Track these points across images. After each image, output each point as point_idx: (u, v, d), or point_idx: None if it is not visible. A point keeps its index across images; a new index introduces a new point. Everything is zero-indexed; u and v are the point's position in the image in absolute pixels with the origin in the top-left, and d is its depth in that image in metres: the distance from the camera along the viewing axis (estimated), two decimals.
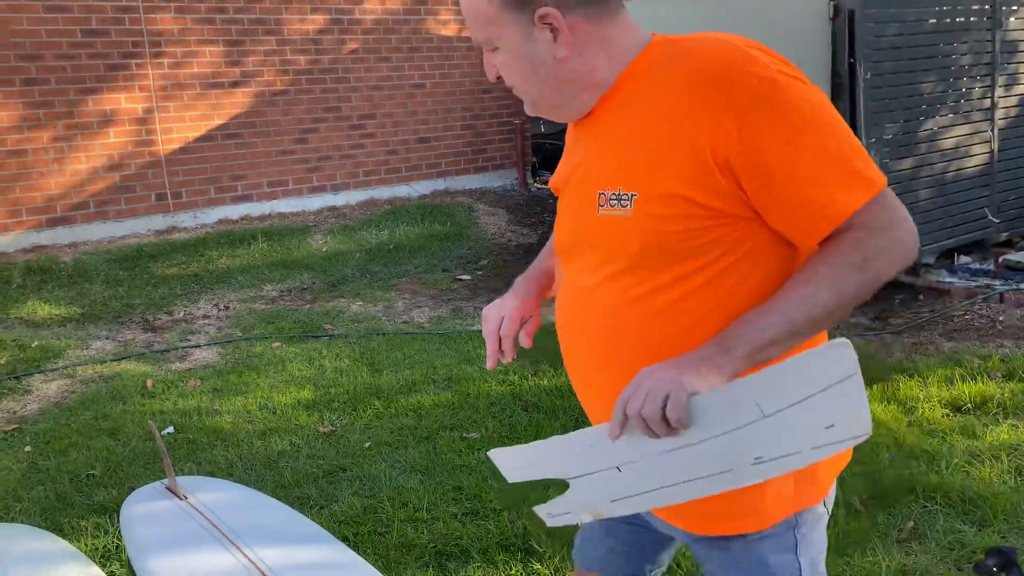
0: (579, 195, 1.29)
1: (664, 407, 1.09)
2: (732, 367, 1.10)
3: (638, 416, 1.11)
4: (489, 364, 1.46)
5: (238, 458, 3.52)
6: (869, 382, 3.65)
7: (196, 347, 4.93)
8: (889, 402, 3.50)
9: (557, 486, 1.26)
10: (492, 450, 1.30)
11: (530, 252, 6.41)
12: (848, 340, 1.06)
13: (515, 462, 1.30)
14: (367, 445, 3.56)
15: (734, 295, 1.18)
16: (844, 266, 1.10)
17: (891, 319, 4.69)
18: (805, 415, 1.09)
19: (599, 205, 1.23)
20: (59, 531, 2.92)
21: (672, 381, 1.10)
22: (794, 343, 1.12)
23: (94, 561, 2.68)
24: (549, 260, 1.55)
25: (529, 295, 1.51)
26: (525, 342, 1.47)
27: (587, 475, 1.24)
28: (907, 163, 5.11)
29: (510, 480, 1.32)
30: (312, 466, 3.39)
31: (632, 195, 1.18)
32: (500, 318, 1.48)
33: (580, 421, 3.56)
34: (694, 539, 1.34)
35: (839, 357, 1.06)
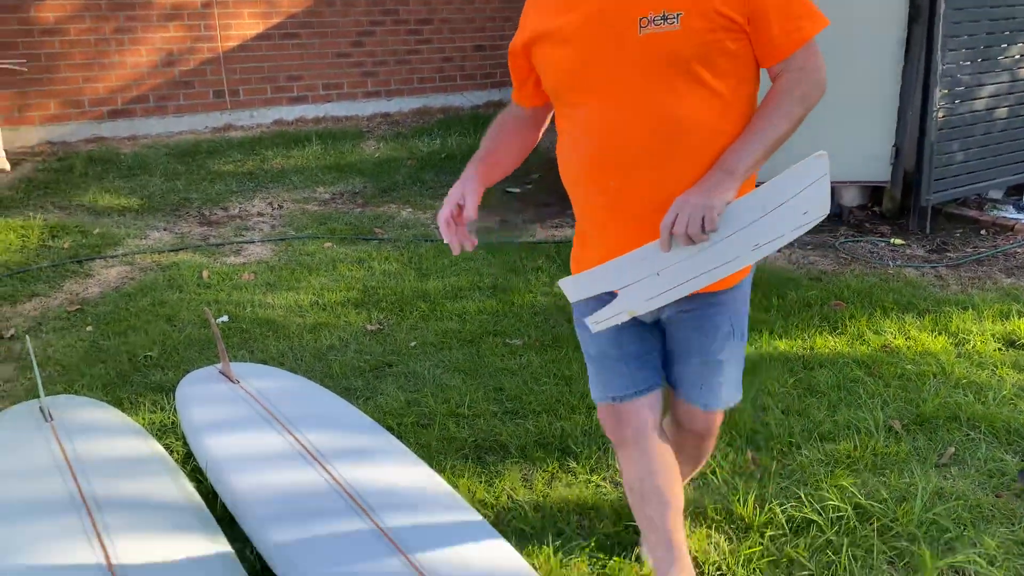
0: (607, 29, 1.58)
1: (701, 223, 1.49)
2: (736, 184, 1.54)
3: (684, 234, 1.50)
4: (454, 251, 1.75)
5: (289, 349, 3.62)
6: (919, 313, 3.61)
7: (250, 243, 5.03)
8: (940, 333, 3.44)
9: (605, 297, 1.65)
10: (561, 279, 1.66)
11: None
12: (824, 152, 1.51)
13: (577, 286, 1.66)
14: (412, 344, 3.63)
15: (751, 102, 1.62)
16: (791, 101, 1.56)
17: (950, 253, 4.58)
18: (791, 208, 1.53)
19: (640, 28, 1.55)
20: (118, 405, 3.06)
21: (704, 204, 1.50)
22: (765, 160, 1.57)
23: (151, 435, 2.81)
24: (496, 141, 1.89)
25: (478, 180, 1.80)
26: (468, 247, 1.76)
27: (633, 283, 1.62)
28: (981, 92, 4.89)
29: (573, 300, 1.69)
30: (359, 360, 3.48)
31: (678, 14, 1.52)
32: (453, 205, 1.76)
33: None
34: (700, 301, 1.72)
35: (819, 163, 1.52)
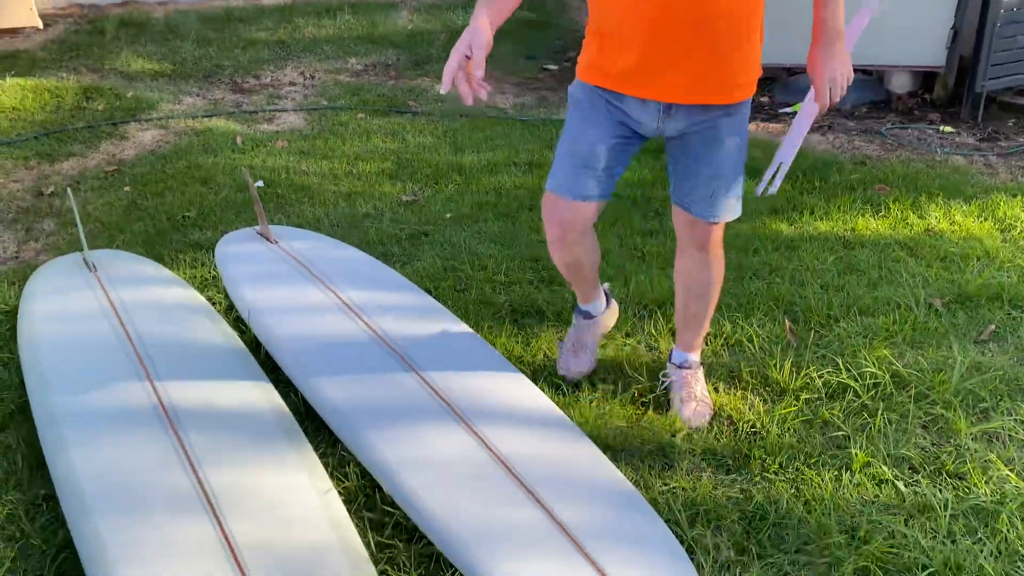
0: None
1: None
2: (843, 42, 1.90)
3: (839, 92, 1.90)
4: (467, 101, 1.68)
5: (324, 215, 3.63)
6: (966, 199, 3.53)
7: (284, 111, 4.97)
8: (986, 219, 3.37)
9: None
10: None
11: None
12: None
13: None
14: (448, 216, 3.62)
15: None
16: None
17: (1001, 142, 4.43)
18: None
19: None
20: (159, 261, 3.10)
21: (848, 72, 1.90)
22: None
23: (193, 287, 2.86)
24: None
25: (485, 30, 1.71)
26: (482, 95, 1.70)
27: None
28: None
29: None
30: (395, 229, 3.48)
31: None
32: (461, 56, 1.67)
33: (661, 211, 3.54)
34: (711, 115, 1.86)
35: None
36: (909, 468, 1.95)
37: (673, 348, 2.26)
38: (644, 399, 2.22)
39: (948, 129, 4.56)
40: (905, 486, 1.88)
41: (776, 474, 1.93)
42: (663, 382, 2.24)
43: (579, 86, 1.98)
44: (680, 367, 2.20)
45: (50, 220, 3.57)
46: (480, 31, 1.68)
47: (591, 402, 2.21)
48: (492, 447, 1.92)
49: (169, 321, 2.51)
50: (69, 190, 2.96)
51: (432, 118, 4.92)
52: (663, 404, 2.20)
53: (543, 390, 2.25)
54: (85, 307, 2.58)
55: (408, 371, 2.22)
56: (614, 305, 2.46)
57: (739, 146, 1.92)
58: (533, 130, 4.75)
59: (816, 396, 2.21)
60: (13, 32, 5.90)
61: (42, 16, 6.09)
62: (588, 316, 2.35)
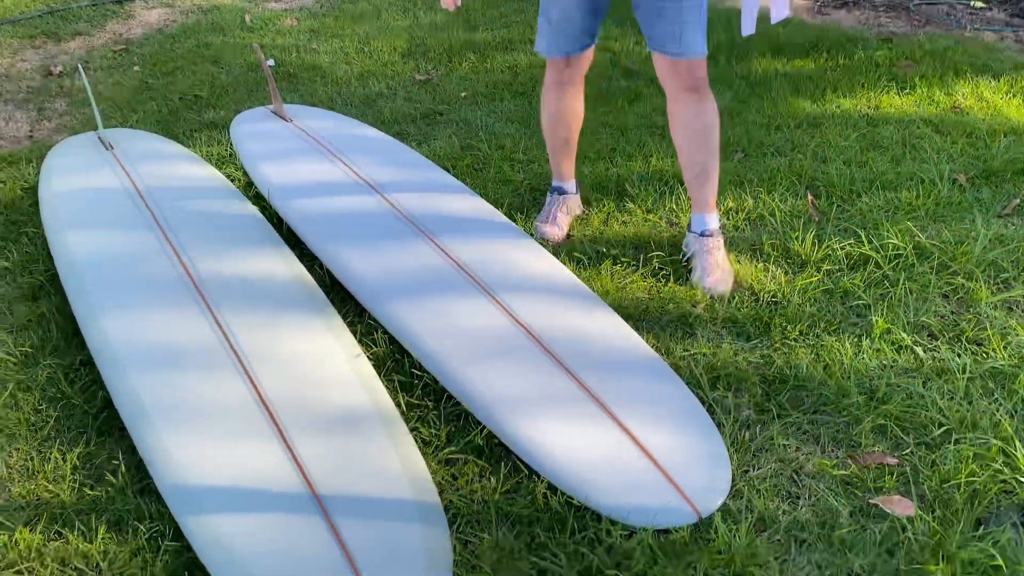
0: None
1: None
2: None
3: None
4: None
5: (337, 94, 3.57)
6: (995, 76, 3.44)
7: None
8: (1015, 96, 3.29)
9: None
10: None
11: None
12: None
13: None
14: (463, 95, 3.56)
15: None
16: None
17: None
18: None
19: None
20: (174, 139, 3.08)
21: None
22: None
23: (211, 164, 2.84)
24: None
25: None
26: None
27: None
28: None
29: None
30: (410, 108, 3.43)
31: None
32: None
33: None
34: None
35: None
36: (928, 335, 1.98)
37: (691, 216, 2.27)
38: (664, 271, 2.24)
39: (979, 4, 4.40)
40: (924, 351, 1.91)
41: (796, 340, 1.96)
42: (684, 253, 2.25)
43: None
44: (701, 235, 2.23)
45: (61, 100, 3.52)
46: None
47: (611, 276, 2.23)
48: (517, 316, 1.95)
49: (190, 196, 2.51)
50: (81, 67, 2.91)
51: None
52: (684, 276, 2.22)
53: (564, 263, 2.26)
54: (105, 183, 2.58)
55: (431, 245, 2.23)
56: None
57: None
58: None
59: (837, 268, 2.22)
60: None
61: None
62: (561, 192, 2.56)
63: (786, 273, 2.21)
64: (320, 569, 1.38)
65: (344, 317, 2.05)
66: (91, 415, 1.78)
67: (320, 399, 1.72)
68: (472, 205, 2.47)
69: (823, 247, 2.28)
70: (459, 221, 2.36)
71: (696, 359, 1.92)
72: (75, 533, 1.50)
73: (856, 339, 1.96)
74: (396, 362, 1.92)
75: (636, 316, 2.08)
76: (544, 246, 2.35)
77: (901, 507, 1.53)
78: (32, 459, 1.68)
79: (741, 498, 1.57)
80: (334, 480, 1.55)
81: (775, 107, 3.24)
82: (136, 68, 3.79)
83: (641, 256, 2.31)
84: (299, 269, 2.18)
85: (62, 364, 1.94)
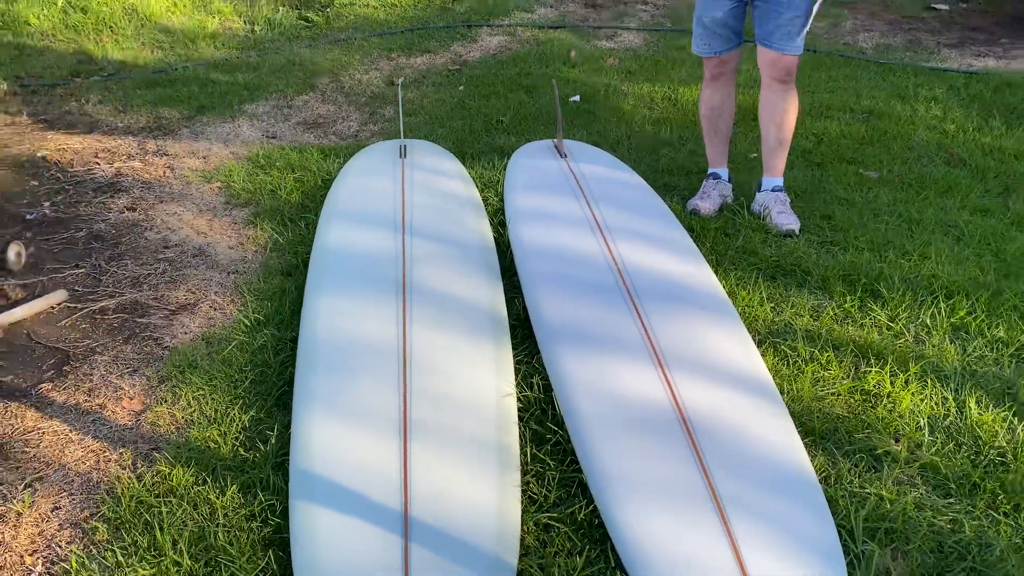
0: None
1: None
2: None
3: None
4: None
5: (626, 137, 3.61)
6: None
7: (626, 29, 4.97)
8: None
9: None
10: None
11: None
12: None
13: None
14: (751, 156, 3.40)
15: None
16: None
17: None
18: None
19: None
20: (460, 156, 3.34)
21: None
22: None
23: (476, 185, 3.05)
24: None
25: None
26: None
27: None
28: None
29: None
30: (689, 162, 3.36)
31: None
32: None
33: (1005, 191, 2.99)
34: None
35: None
36: None
37: (762, 179, 2.91)
38: (878, 393, 1.95)
39: None
40: None
41: (1007, 516, 1.60)
42: (758, 211, 2.86)
43: None
44: (773, 191, 2.86)
45: (392, 107, 4.00)
46: None
47: (812, 382, 2.00)
48: (678, 395, 1.84)
49: (437, 208, 2.72)
50: (400, 81, 3.28)
51: None
52: (892, 406, 1.91)
53: (766, 354, 2.08)
54: (380, 186, 2.88)
55: (627, 301, 2.17)
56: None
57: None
58: (887, 75, 4.23)
59: None
60: None
61: None
62: (716, 177, 3.02)
63: None
64: None
65: (517, 355, 2.08)
66: (277, 387, 2.02)
67: (453, 424, 1.77)
68: (691, 272, 2.36)
69: None
70: (671, 288, 2.27)
71: (864, 499, 1.66)
72: (215, 484, 1.72)
73: None
74: (542, 411, 1.91)
75: (820, 432, 1.85)
76: (752, 334, 2.18)
77: None
78: (217, 411, 1.95)
79: None
80: (431, 506, 1.59)
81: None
82: (460, 87, 4.17)
83: (855, 369, 2.04)
84: (498, 298, 2.26)
85: (277, 336, 2.21)
